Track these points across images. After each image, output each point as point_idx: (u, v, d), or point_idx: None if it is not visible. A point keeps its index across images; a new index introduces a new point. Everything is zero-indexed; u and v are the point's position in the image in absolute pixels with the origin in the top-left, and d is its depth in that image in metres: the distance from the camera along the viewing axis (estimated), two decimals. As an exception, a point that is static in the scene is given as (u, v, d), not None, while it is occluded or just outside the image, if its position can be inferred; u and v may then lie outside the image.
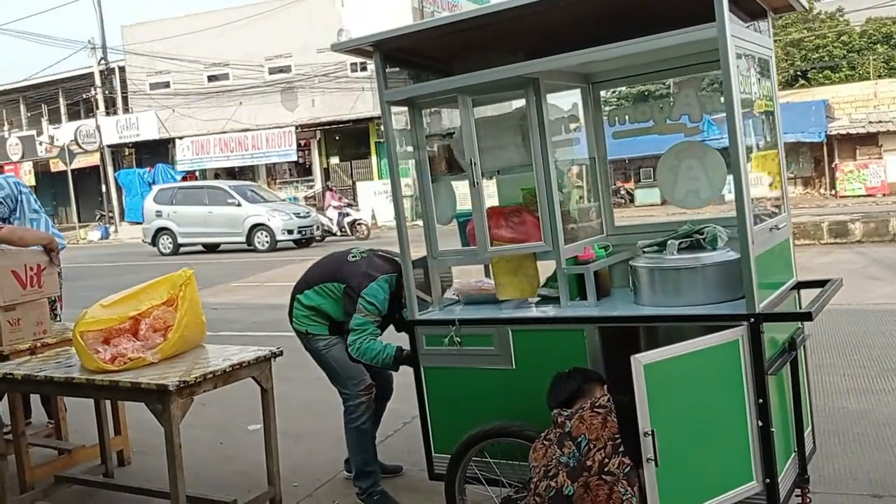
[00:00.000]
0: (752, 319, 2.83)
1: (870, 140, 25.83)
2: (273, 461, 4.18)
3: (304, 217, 21.60)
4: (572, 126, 3.79)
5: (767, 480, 2.86)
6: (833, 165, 25.75)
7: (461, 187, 4.20)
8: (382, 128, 3.55)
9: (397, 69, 3.66)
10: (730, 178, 2.94)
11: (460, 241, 3.84)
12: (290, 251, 20.48)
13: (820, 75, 33.58)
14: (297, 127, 29.64)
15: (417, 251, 3.70)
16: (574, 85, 3.72)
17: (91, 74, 33.97)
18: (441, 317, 3.59)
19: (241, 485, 4.67)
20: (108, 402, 4.91)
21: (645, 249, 3.38)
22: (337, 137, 31.22)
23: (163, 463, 4.08)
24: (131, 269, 17.99)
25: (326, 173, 31.64)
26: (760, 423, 2.85)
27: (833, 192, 25.34)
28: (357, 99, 28.96)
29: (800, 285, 3.43)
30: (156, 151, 32.33)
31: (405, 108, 3.64)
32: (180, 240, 21.81)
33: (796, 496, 3.19)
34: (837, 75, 33.27)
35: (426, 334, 3.56)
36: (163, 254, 21.76)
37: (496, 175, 3.58)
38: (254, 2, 29.43)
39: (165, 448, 3.72)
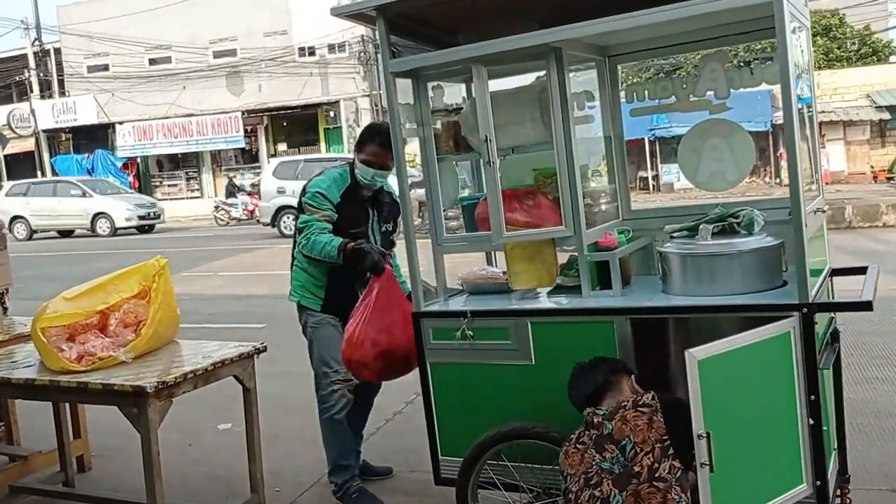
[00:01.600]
0: (805, 310, 2.60)
1: (824, 128, 26.33)
2: (256, 466, 3.85)
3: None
4: (587, 103, 3.52)
5: (818, 482, 2.66)
6: (778, 154, 26.18)
7: (461, 170, 3.93)
8: (386, 101, 3.22)
9: (400, 39, 3.32)
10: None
11: (465, 227, 3.54)
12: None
13: (763, 66, 34.11)
14: (243, 112, 28.89)
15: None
16: (591, 58, 3.45)
17: (24, 56, 32.55)
18: (452, 308, 3.29)
19: (216, 491, 4.32)
20: (66, 403, 4.49)
21: (674, 234, 3.14)
22: (285, 123, 30.55)
23: (127, 468, 3.72)
24: (80, 258, 17.20)
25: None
26: (812, 422, 2.64)
27: (778, 180, 25.77)
28: (305, 84, 28.36)
29: (834, 273, 3.24)
30: (94, 137, 31.14)
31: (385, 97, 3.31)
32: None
33: (835, 496, 3.00)
34: (729, 66, 33.74)
35: (433, 327, 3.26)
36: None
37: (509, 154, 3.29)
38: (197, -18, 28.51)
39: (142, 456, 3.37)
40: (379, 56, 22.01)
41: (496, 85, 3.33)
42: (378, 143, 3.85)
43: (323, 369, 3.96)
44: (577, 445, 2.65)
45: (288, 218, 18.31)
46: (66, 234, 25.04)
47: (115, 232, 23.88)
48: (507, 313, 3.15)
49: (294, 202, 20.23)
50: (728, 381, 2.49)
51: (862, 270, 3.15)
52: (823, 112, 26.26)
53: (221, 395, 4.49)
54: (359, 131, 22.97)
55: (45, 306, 3.63)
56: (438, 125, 3.46)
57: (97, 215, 24.08)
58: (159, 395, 3.29)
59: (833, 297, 3.20)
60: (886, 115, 23.96)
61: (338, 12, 3.20)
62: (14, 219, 24.08)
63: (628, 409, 2.56)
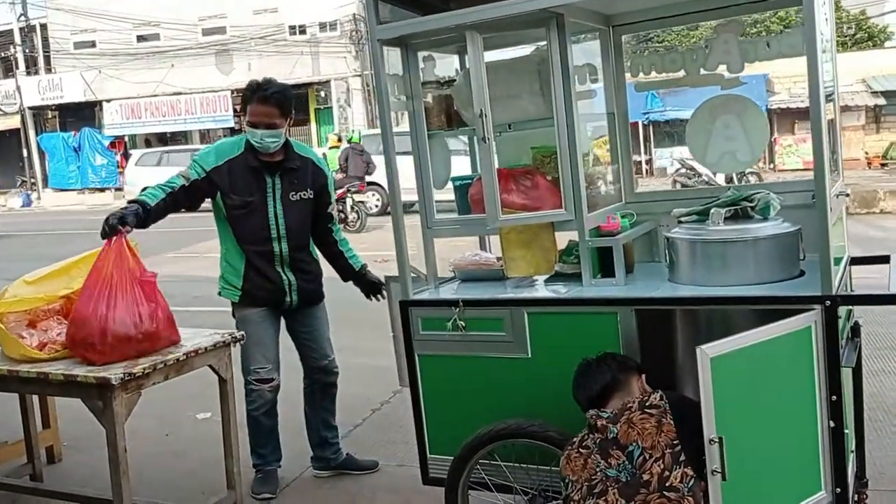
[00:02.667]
0: (828, 303, 2.38)
1: (807, 115, 26.13)
2: (232, 462, 3.62)
3: None
4: (590, 78, 3.28)
5: (838, 489, 2.45)
6: (773, 139, 25.96)
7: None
8: (374, 72, 2.97)
9: (390, 5, 3.06)
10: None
11: (457, 209, 3.30)
12: None
13: (779, 36, 33.96)
14: (232, 91, 28.41)
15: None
16: (594, 27, 3.20)
17: (10, 31, 31.90)
18: (442, 297, 3.06)
19: (194, 488, 4.08)
20: (33, 393, 4.24)
21: (682, 219, 2.91)
22: (275, 103, 30.08)
23: (99, 458, 3.49)
24: (58, 239, 16.88)
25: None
26: (832, 424, 2.42)
27: (772, 165, 25.58)
28: (296, 64, 27.91)
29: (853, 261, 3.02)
30: (81, 115, 30.63)
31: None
32: None
33: (853, 501, 2.79)
34: (743, 38, 33.57)
35: (423, 317, 3.03)
36: None
37: (506, 130, 3.04)
38: (186, -42, 27.97)
39: (108, 452, 3.13)
40: (371, 34, 21.58)
41: (491, 56, 3.09)
42: (258, 99, 3.56)
43: (244, 367, 3.83)
44: (580, 450, 2.42)
45: None
46: None
47: None
48: (502, 303, 2.92)
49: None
50: (743, 380, 2.26)
51: (884, 259, 2.93)
52: (817, 98, 26.06)
53: (202, 382, 4.24)
54: (350, 112, 22.53)
55: (5, 290, 3.38)
56: (429, 98, 3.21)
57: None
58: (126, 387, 3.06)
59: (852, 289, 2.97)
60: (882, 101, 23.75)
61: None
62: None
63: (634, 411, 2.33)
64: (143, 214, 3.42)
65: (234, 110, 28.71)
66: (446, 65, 3.42)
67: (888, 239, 9.95)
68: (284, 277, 3.76)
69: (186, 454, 4.58)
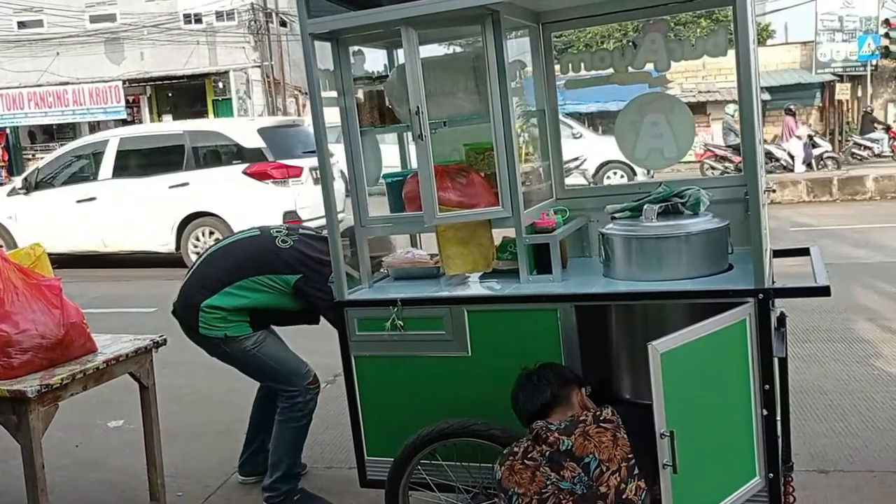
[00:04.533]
0: (762, 296, 2.47)
1: (699, 109, 27.25)
2: (156, 472, 3.48)
3: None
4: (520, 73, 3.29)
5: (770, 475, 2.55)
6: (666, 133, 26.91)
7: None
8: (305, 67, 2.88)
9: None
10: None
11: (389, 206, 3.25)
12: None
13: (704, 37, 35.13)
14: (124, 82, 27.25)
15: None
16: (525, 24, 3.20)
17: None
18: (379, 296, 3.01)
19: (111, 499, 3.89)
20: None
21: (615, 215, 2.96)
22: (170, 94, 29.08)
23: (17, 470, 3.28)
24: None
25: (159, 133, 29.44)
26: (765, 412, 2.52)
27: (686, 163, 26.56)
28: (192, 53, 27.03)
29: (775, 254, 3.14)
30: (-43, 105, 28.71)
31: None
32: None
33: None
34: (669, 40, 34.81)
35: (359, 317, 2.97)
36: None
37: (441, 127, 3.01)
38: (71, -60, 26.60)
39: (23, 469, 2.94)
40: (270, 26, 21.00)
41: (424, 52, 3.05)
42: None
43: (293, 378, 3.53)
44: (525, 461, 2.39)
45: None
46: None
47: None
48: (441, 301, 2.90)
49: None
50: (689, 374, 2.33)
51: (804, 252, 3.07)
52: (709, 91, 27.21)
53: (111, 388, 4.02)
54: (250, 104, 21.95)
55: None
56: (360, 95, 3.14)
57: None
58: (43, 399, 2.88)
59: (774, 280, 3.10)
60: (767, 96, 24.96)
61: (248, -36, 2.82)
62: None
63: (590, 424, 2.34)
64: None
65: (127, 101, 27.57)
66: (375, 59, 3.37)
67: (779, 228, 10.48)
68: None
69: (100, 465, 4.36)
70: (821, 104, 25.00)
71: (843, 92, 23.06)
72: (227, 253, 3.56)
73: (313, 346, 4.08)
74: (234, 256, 3.51)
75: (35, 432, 2.87)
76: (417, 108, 2.78)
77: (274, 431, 3.61)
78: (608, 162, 15.46)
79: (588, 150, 15.08)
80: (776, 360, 2.70)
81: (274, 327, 3.67)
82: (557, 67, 3.38)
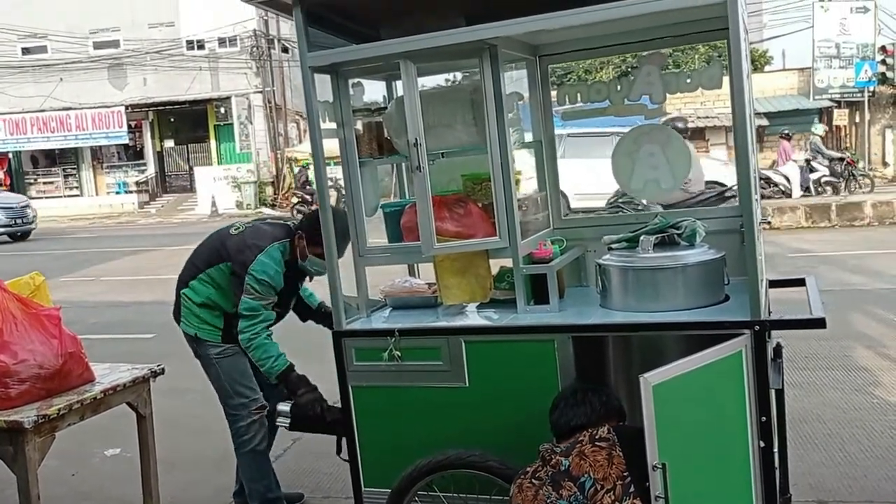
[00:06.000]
0: (758, 327, 2.48)
1: (698, 135, 27.39)
2: (153, 502, 3.45)
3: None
4: (517, 104, 3.32)
5: (768, 507, 2.54)
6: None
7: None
8: (305, 99, 2.91)
9: (318, 31, 3.01)
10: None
11: (386, 236, 3.27)
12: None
13: (700, 70, 35.39)
14: (126, 107, 27.43)
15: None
16: (522, 57, 3.24)
17: None
18: (377, 326, 3.01)
19: (108, 530, 3.88)
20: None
21: (612, 246, 2.97)
22: (172, 119, 29.26)
23: (8, 499, 3.28)
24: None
25: (160, 157, 29.56)
26: (763, 444, 2.51)
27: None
28: (194, 79, 27.24)
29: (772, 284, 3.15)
30: (-40, 130, 28.87)
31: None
32: None
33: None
34: (666, 71, 35.08)
35: (357, 347, 2.97)
36: None
37: (438, 158, 3.04)
38: (75, -32, 26.87)
39: (19, 500, 2.93)
40: (272, 52, 21.12)
41: (423, 84, 3.08)
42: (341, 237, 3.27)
43: (238, 400, 3.61)
44: (533, 480, 2.42)
45: None
46: None
47: None
48: (438, 331, 2.91)
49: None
50: (682, 406, 2.32)
51: (799, 282, 3.08)
52: (707, 117, 27.35)
53: (107, 414, 4.03)
54: (251, 129, 22.12)
55: None
56: (359, 126, 3.17)
57: None
58: (39, 430, 2.88)
59: (771, 311, 3.11)
60: (765, 122, 25.10)
61: (249, -1, 2.86)
62: None
63: (585, 444, 2.35)
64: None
65: (129, 126, 27.74)
66: (375, 90, 3.40)
67: (778, 254, 10.50)
68: None
69: (97, 495, 4.35)
70: (812, 135, 25.18)
71: (840, 118, 23.19)
72: (205, 240, 3.71)
73: (310, 371, 4.07)
74: (204, 244, 3.69)
75: (31, 463, 2.87)
76: (416, 139, 2.80)
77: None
78: None
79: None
80: (773, 392, 2.70)
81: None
82: (554, 96, 3.41)
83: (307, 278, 3.70)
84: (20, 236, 20.77)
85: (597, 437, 2.36)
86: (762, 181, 15.73)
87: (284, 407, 3.18)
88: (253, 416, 3.62)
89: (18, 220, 20.59)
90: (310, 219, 3.46)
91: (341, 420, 3.03)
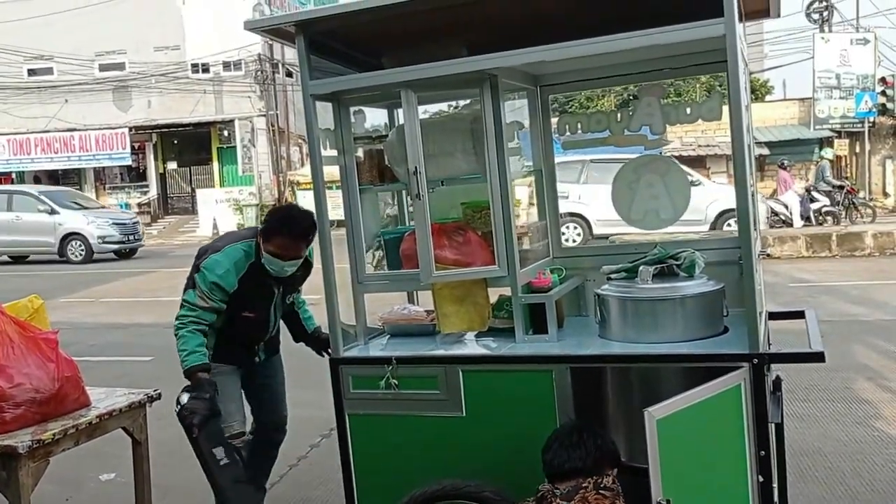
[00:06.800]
0: (756, 360, 2.47)
1: (698, 162, 27.48)
2: (147, 530, 3.42)
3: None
4: (517, 133, 3.34)
5: (767, 543, 2.51)
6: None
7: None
8: (306, 126, 2.92)
9: (320, 59, 3.04)
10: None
11: (386, 263, 3.27)
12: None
13: (699, 102, 35.62)
14: (130, 129, 27.59)
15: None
16: (523, 87, 3.26)
17: None
18: (375, 354, 3.00)
19: (100, 557, 3.83)
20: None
21: (611, 276, 2.97)
22: (175, 141, 29.41)
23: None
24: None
25: (163, 179, 29.67)
26: (762, 478, 2.49)
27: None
28: (198, 102, 27.42)
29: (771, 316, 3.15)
30: (-36, 150, 29.02)
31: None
32: None
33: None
34: (666, 101, 35.30)
35: (354, 375, 2.96)
36: None
37: (438, 186, 3.05)
38: (84, -8, 27.13)
39: (10, 527, 2.90)
40: (276, 76, 21.16)
41: (423, 113, 3.10)
42: (287, 234, 3.33)
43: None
44: None
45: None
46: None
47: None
48: (436, 360, 2.90)
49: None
50: (684, 440, 2.31)
51: (799, 315, 3.07)
52: (709, 146, 27.46)
53: (104, 440, 4.02)
54: (254, 152, 22.01)
55: None
56: (360, 153, 3.19)
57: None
58: (34, 455, 2.86)
59: (771, 344, 3.10)
60: (766, 151, 25.21)
61: (253, 27, 2.89)
62: None
63: (589, 491, 2.32)
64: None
65: (133, 147, 27.87)
66: (376, 117, 3.42)
67: (779, 283, 10.49)
68: (258, 348, 3.64)
69: (90, 520, 4.30)
70: (818, 159, 25.27)
71: (841, 148, 23.28)
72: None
73: (307, 397, 4.06)
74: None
75: (24, 489, 2.84)
76: (416, 167, 2.81)
77: None
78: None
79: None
80: (772, 425, 2.68)
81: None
82: (555, 124, 3.42)
83: (296, 288, 3.66)
84: (127, 253, 19.86)
85: (602, 485, 2.33)
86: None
87: (184, 397, 3.17)
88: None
89: (131, 237, 19.76)
90: (270, 213, 3.51)
91: (197, 451, 3.08)
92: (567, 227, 15.82)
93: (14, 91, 28.11)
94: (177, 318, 3.33)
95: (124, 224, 19.70)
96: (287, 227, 3.33)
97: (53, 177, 29.82)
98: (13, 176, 29.21)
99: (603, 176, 13.86)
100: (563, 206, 15.78)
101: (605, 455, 2.48)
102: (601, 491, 2.32)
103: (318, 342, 3.81)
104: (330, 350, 3.65)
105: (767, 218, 16.13)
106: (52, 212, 18.94)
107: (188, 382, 3.55)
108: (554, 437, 2.52)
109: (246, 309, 3.43)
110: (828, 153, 19.42)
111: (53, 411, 3.08)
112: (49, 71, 28.35)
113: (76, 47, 27.25)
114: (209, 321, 3.34)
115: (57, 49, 27.24)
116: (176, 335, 3.31)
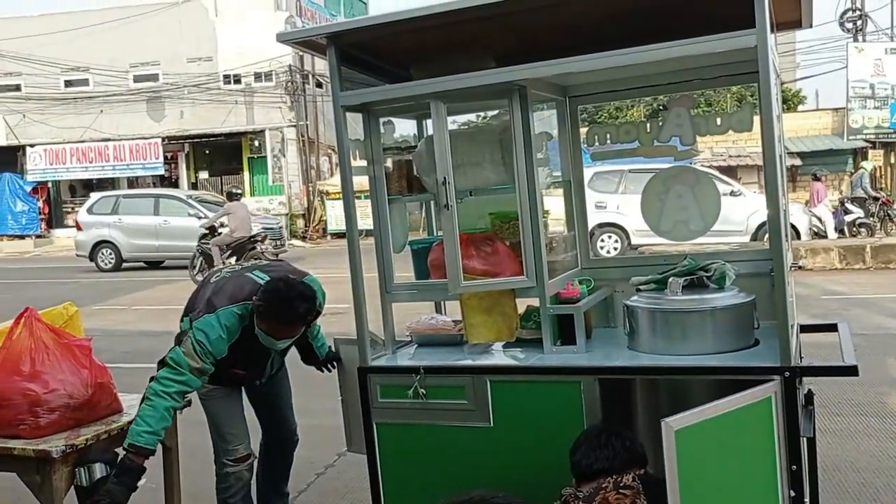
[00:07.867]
0: (787, 374, 2.44)
1: (730, 173, 27.21)
2: (179, 539, 3.45)
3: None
4: (546, 144, 3.34)
5: (798, 560, 2.47)
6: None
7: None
8: (336, 137, 2.95)
9: (350, 70, 3.07)
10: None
11: (415, 273, 3.29)
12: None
13: (729, 113, 35.37)
14: (163, 139, 27.99)
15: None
16: (552, 97, 3.27)
17: (-71, 72, 30.80)
18: (402, 363, 3.01)
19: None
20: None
21: (640, 287, 2.96)
22: (207, 151, 29.75)
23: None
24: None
25: (194, 188, 30.01)
26: (793, 494, 2.46)
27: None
28: (230, 112, 27.74)
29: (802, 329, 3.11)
30: (3, 159, 29.60)
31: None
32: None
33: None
34: (696, 112, 35.04)
35: (381, 384, 2.98)
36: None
37: (466, 196, 3.06)
38: (119, 5, 27.59)
39: (44, 531, 2.95)
40: (306, 86, 21.19)
41: (452, 123, 3.12)
42: (283, 320, 3.13)
43: (221, 447, 3.45)
44: None
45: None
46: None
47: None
48: (463, 370, 2.90)
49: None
50: (706, 452, 2.29)
51: (831, 327, 3.03)
52: (740, 156, 27.21)
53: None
54: (284, 162, 21.64)
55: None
56: (389, 164, 3.21)
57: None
58: (67, 460, 2.90)
59: (802, 356, 3.06)
60: (798, 161, 24.93)
61: (285, 39, 2.93)
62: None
63: (610, 491, 2.32)
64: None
65: (165, 157, 28.26)
66: (405, 128, 3.44)
67: (811, 296, 10.34)
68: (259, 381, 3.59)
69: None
70: (852, 170, 24.91)
71: (875, 158, 22.94)
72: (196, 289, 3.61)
73: (333, 406, 4.06)
74: (194, 292, 3.59)
75: (58, 493, 2.89)
76: (444, 178, 2.83)
77: None
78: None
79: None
80: (804, 439, 2.65)
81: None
82: (583, 134, 3.41)
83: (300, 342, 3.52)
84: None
85: (621, 484, 2.33)
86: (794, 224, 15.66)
87: (102, 470, 2.94)
88: (228, 465, 3.41)
89: (277, 243, 18.16)
90: (264, 292, 3.15)
91: None
92: (606, 238, 15.62)
93: (51, 102, 28.66)
94: (158, 378, 3.06)
95: (272, 228, 18.30)
96: (282, 314, 3.11)
97: (88, 186, 30.31)
98: (49, 185, 29.74)
99: (641, 186, 13.02)
100: (602, 217, 15.49)
101: (633, 456, 2.48)
102: (621, 490, 2.31)
103: (328, 361, 3.70)
104: (332, 365, 3.68)
105: (810, 229, 15.95)
106: (201, 216, 17.76)
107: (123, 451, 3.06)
108: (582, 437, 2.53)
109: (237, 367, 3.32)
110: (867, 165, 19.19)
111: (86, 417, 3.12)
112: (85, 82, 28.86)
113: (112, 59, 27.73)
114: (194, 388, 3.15)
115: (93, 61, 27.74)
116: (148, 398, 3.02)
